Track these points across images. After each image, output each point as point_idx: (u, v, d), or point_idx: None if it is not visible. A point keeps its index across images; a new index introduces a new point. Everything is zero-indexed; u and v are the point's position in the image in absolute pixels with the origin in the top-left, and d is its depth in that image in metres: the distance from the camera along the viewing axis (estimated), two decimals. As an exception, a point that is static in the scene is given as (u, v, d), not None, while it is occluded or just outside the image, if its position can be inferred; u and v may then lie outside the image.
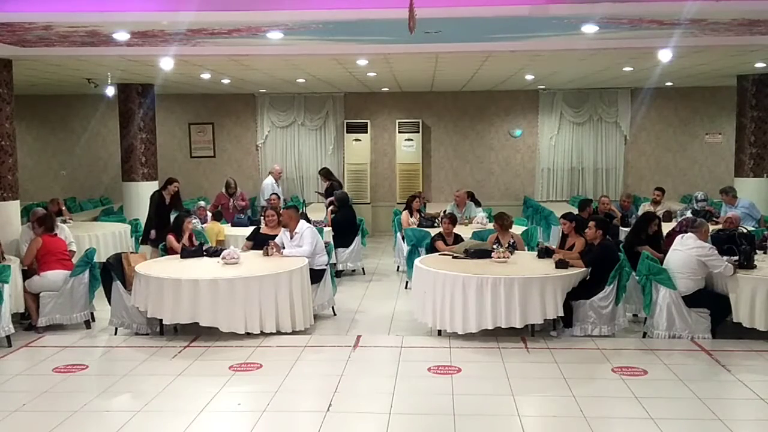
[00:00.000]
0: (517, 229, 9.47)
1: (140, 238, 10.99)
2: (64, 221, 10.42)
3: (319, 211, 12.97)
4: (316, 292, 8.16)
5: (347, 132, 16.43)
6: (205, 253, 8.33)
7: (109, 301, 7.86)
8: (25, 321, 8.04)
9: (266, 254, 8.23)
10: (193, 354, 6.98)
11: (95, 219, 12.87)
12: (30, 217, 8.98)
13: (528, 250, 8.82)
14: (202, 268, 7.75)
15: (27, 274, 7.96)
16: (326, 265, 8.47)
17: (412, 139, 16.38)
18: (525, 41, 8.59)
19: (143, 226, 10.95)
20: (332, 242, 10.06)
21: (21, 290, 7.82)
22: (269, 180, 13.49)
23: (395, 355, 6.91)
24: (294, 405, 5.78)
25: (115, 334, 7.76)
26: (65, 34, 7.49)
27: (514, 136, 16.64)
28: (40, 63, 9.81)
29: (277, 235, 8.69)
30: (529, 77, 13.47)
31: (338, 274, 10.54)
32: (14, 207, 8.85)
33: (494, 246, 8.09)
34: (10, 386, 6.26)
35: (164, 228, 9.36)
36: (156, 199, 10.73)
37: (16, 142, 8.93)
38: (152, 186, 13.15)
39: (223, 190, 12.47)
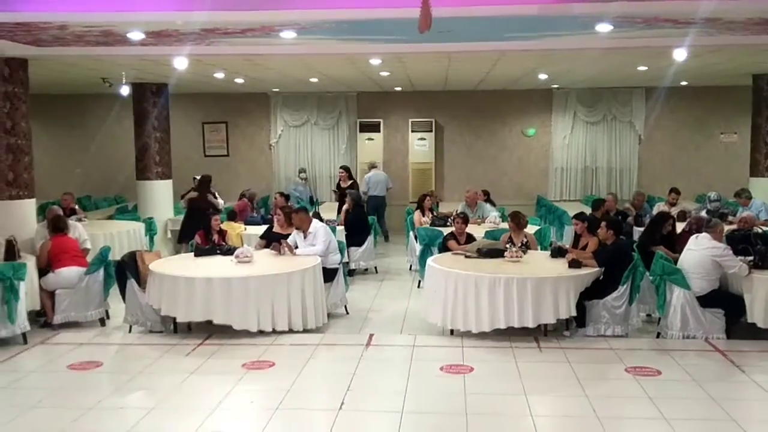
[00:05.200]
0: (530, 229, 9.44)
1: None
2: (79, 219, 10.49)
3: (331, 210, 12.99)
4: (328, 291, 8.18)
5: (360, 131, 16.46)
6: (218, 251, 8.37)
7: (124, 299, 7.91)
8: (41, 318, 8.10)
9: (277, 252, 8.26)
10: (206, 352, 7.02)
11: (110, 217, 12.96)
12: (46, 215, 9.07)
13: (541, 250, 8.80)
14: (216, 266, 7.79)
15: (42, 272, 8.02)
16: (339, 263, 8.48)
17: (425, 139, 16.38)
18: (539, 40, 8.57)
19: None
20: (347, 241, 10.06)
21: (37, 288, 7.88)
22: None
23: (408, 354, 6.91)
24: (306, 403, 5.79)
25: (130, 331, 7.81)
26: (80, 33, 7.55)
27: (527, 136, 16.60)
28: (55, 62, 9.87)
29: (290, 234, 8.71)
30: (542, 76, 13.43)
31: (351, 273, 10.56)
32: (30, 205, 8.92)
33: (507, 245, 8.08)
34: (26, 383, 6.32)
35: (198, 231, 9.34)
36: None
37: (32, 141, 9.00)
38: (167, 185, 13.23)
39: (246, 200, 12.42)
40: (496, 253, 7.94)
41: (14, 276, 7.18)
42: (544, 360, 6.72)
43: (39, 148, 14.29)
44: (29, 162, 8.90)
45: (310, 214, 9.09)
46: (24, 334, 7.36)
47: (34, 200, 9.05)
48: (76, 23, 6.99)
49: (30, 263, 7.72)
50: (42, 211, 10.41)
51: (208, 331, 7.47)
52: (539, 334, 7.36)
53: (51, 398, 5.89)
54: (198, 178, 12.06)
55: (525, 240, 8.51)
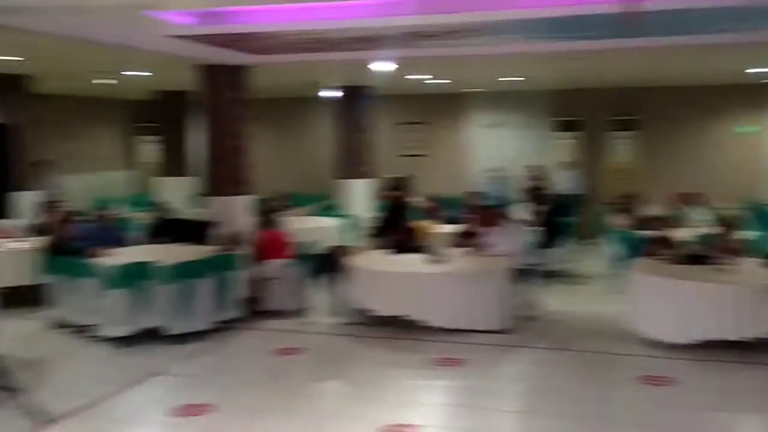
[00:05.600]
0: (743, 234, 8.71)
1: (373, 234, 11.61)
2: (287, 215, 11.25)
3: (524, 210, 12.81)
4: (519, 292, 8.11)
5: (557, 130, 16.09)
6: (413, 249, 8.61)
7: (326, 291, 8.39)
8: (251, 305, 8.78)
9: (473, 252, 8.33)
10: (400, 346, 7.27)
11: (315, 214, 13.75)
12: (257, 210, 9.83)
13: (755, 258, 8.08)
14: (412, 263, 8.02)
15: (254, 262, 8.70)
16: (530, 265, 8.38)
17: (625, 137, 15.65)
18: (750, 33, 7.86)
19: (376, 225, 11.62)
20: (539, 242, 9.90)
21: (248, 277, 8.58)
22: None
23: (601, 360, 6.69)
24: (493, 403, 5.80)
25: (330, 321, 8.24)
26: (293, 42, 8.13)
27: (740, 134, 15.29)
28: (271, 69, 10.65)
29: (483, 234, 8.73)
30: (756, 70, 12.30)
31: (544, 275, 10.34)
32: (246, 201, 9.71)
33: (715, 252, 7.52)
34: (236, 364, 6.92)
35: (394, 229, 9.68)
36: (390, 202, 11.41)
37: (249, 142, 9.79)
38: (367, 183, 13.84)
39: (435, 201, 12.69)
40: (703, 260, 7.43)
41: (230, 266, 7.91)
42: (756, 377, 6.18)
43: (254, 148, 15.51)
44: (247, 161, 9.69)
45: (502, 213, 9.06)
46: (236, 320, 8.05)
47: (249, 197, 9.83)
48: (290, 32, 7.54)
49: (244, 254, 8.44)
50: (256, 206, 11.27)
51: (402, 325, 7.70)
52: (754, 348, 6.75)
53: (258, 380, 6.41)
54: (395, 177, 12.48)
55: (735, 246, 7.87)
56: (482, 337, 7.36)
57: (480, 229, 8.95)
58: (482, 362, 6.70)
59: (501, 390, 6.13)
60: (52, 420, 5.33)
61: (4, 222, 9.12)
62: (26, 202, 11.21)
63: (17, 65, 10.21)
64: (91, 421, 5.44)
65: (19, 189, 11.55)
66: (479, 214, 9.20)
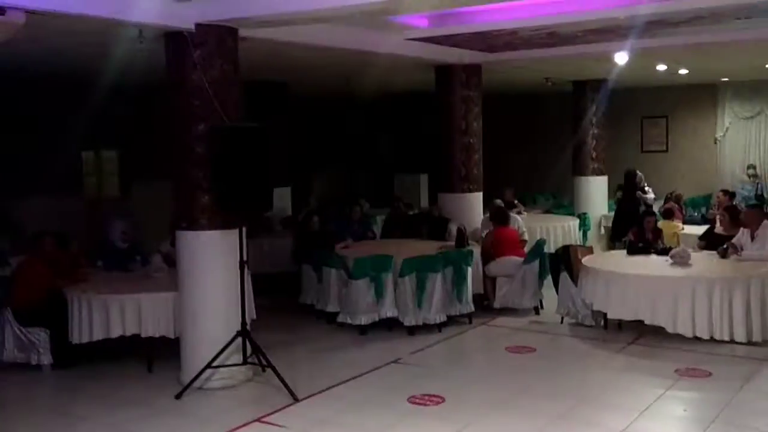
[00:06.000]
0: None
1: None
2: (519, 213, 11.20)
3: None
4: (778, 302, 7.32)
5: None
6: (653, 250, 8.15)
7: (557, 290, 8.22)
8: (483, 301, 8.87)
9: (723, 256, 7.69)
10: (637, 352, 6.92)
11: (547, 212, 13.53)
12: (489, 207, 9.91)
13: None
14: (650, 265, 7.60)
15: (485, 259, 8.77)
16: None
17: None
18: None
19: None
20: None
21: (480, 273, 8.67)
22: None
23: None
24: (747, 421, 5.30)
25: (561, 322, 8.06)
26: (528, 37, 8.07)
27: None
28: (502, 66, 10.68)
29: (735, 236, 8.02)
30: None
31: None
32: (478, 198, 9.83)
33: None
34: (468, 359, 7.09)
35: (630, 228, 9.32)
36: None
37: (482, 140, 9.90)
38: (602, 181, 13.29)
39: (673, 202, 11.87)
40: None
41: (464, 261, 8.05)
42: None
43: (487, 145, 15.62)
44: (479, 159, 9.81)
45: (760, 214, 8.24)
46: (468, 314, 8.17)
47: (480, 194, 9.95)
48: (525, 28, 7.51)
49: (476, 251, 8.54)
50: (487, 203, 11.36)
51: (639, 330, 7.33)
52: None
53: (489, 376, 6.47)
54: (632, 174, 11.85)
55: None
56: (736, 349, 6.75)
57: (732, 231, 8.24)
58: (733, 375, 6.14)
59: (756, 407, 5.57)
60: (302, 397, 5.82)
61: (267, 215, 10.11)
62: (282, 197, 12.32)
63: (275, 73, 11.20)
64: (336, 401, 5.83)
65: (276, 185, 12.73)
66: (731, 215, 8.48)
